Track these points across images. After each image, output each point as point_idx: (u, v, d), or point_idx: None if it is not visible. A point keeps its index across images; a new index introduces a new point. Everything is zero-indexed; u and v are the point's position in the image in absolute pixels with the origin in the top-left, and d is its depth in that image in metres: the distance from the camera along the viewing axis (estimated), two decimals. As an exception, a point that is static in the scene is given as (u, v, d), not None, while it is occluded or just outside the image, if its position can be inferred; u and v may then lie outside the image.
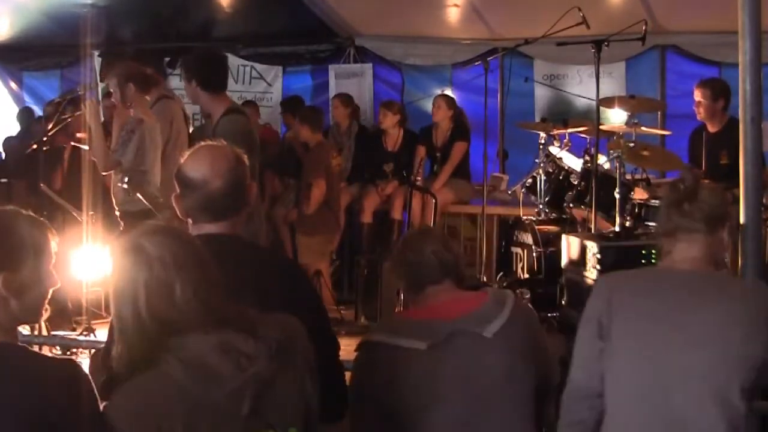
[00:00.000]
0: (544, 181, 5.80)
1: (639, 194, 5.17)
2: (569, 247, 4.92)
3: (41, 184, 5.84)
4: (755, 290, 2.53)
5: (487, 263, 6.40)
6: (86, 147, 5.48)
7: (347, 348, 2.70)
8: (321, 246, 6.78)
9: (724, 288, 2.52)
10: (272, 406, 1.97)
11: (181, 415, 1.89)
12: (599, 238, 4.75)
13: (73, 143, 6.38)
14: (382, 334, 2.67)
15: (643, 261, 4.57)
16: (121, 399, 1.93)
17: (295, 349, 2.03)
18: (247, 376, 1.91)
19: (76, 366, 1.99)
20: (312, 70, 8.85)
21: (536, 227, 5.63)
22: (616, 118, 6.50)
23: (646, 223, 4.97)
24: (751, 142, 3.33)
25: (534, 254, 5.54)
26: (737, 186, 3.38)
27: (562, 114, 7.00)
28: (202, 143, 2.57)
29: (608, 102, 5.78)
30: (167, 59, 8.55)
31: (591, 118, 5.87)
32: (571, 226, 5.62)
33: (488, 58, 6.49)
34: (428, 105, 7.66)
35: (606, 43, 5.15)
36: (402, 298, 4.69)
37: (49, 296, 2.10)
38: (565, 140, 5.93)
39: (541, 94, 7.94)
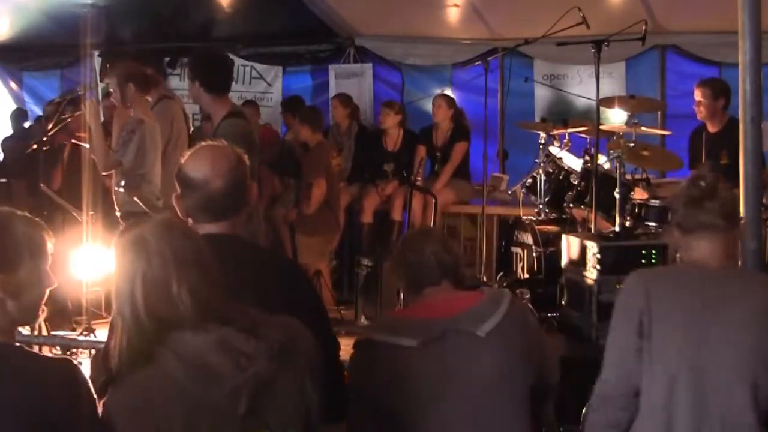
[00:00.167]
0: (544, 181, 5.80)
1: (639, 194, 5.17)
2: (569, 247, 4.92)
3: (41, 184, 5.83)
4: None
5: (487, 263, 6.40)
6: (86, 145, 5.48)
7: (347, 348, 2.70)
8: (321, 246, 6.78)
9: (750, 282, 2.59)
10: (271, 406, 1.96)
11: (181, 413, 1.89)
12: (599, 238, 4.75)
13: (73, 141, 6.37)
14: (375, 332, 2.69)
15: (643, 261, 4.57)
16: (120, 394, 1.94)
17: (297, 350, 2.02)
18: (246, 376, 1.91)
19: (75, 366, 1.99)
20: (312, 70, 8.85)
21: (536, 227, 5.63)
22: (616, 118, 6.50)
23: (646, 223, 4.97)
24: (751, 142, 3.34)
25: (534, 254, 5.54)
26: (737, 186, 3.38)
27: (562, 114, 7.01)
28: (203, 143, 2.57)
29: (608, 102, 5.78)
30: (167, 59, 8.55)
31: (591, 118, 5.87)
32: (571, 226, 5.62)
33: (488, 58, 6.49)
34: (428, 105, 7.66)
35: (606, 43, 5.14)
36: (402, 298, 4.69)
37: (46, 296, 2.10)
38: (565, 140, 5.93)
39: (541, 94, 7.93)
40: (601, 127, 5.38)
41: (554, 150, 5.88)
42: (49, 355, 3.14)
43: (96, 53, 8.74)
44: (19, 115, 8.94)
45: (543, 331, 2.89)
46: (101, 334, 5.24)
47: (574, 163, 5.75)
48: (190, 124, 7.65)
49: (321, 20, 8.08)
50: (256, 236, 4.26)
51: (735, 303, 2.46)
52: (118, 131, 5.29)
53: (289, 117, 7.96)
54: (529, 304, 5.15)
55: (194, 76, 4.42)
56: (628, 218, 4.99)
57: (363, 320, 6.09)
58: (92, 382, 2.01)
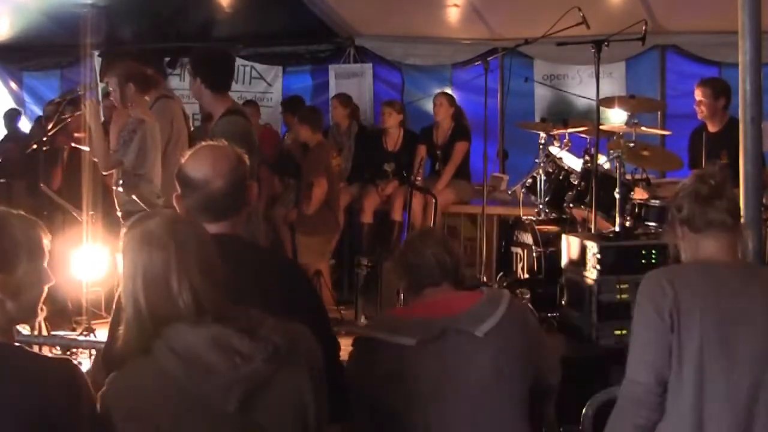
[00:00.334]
0: (544, 181, 5.80)
1: (639, 194, 5.17)
2: (569, 247, 4.92)
3: (41, 184, 5.83)
4: None
5: (487, 263, 6.40)
6: (86, 148, 5.48)
7: (347, 348, 2.70)
8: (321, 246, 6.78)
9: (764, 276, 2.65)
10: (265, 407, 1.96)
11: (170, 406, 1.91)
12: (599, 238, 4.75)
13: (73, 144, 6.37)
14: (374, 331, 2.69)
15: (643, 261, 4.57)
16: (115, 383, 1.97)
17: (297, 355, 2.02)
18: (239, 375, 1.91)
19: (74, 366, 1.99)
20: (312, 70, 8.85)
21: (536, 227, 5.62)
22: (616, 118, 6.50)
23: (646, 223, 4.97)
24: (751, 142, 3.34)
25: (534, 254, 5.54)
26: (737, 186, 3.38)
27: (562, 114, 7.00)
28: (203, 143, 2.58)
29: (608, 102, 5.77)
30: (167, 59, 8.55)
31: (591, 118, 5.87)
32: (571, 226, 5.62)
33: (488, 58, 6.48)
34: (428, 105, 7.66)
35: (606, 43, 5.14)
36: (402, 298, 4.69)
37: (44, 294, 2.10)
38: (565, 140, 5.93)
39: (541, 94, 7.93)
40: (601, 127, 5.38)
41: (554, 150, 5.88)
42: (49, 355, 3.13)
43: (96, 53, 8.75)
44: (12, 116, 8.93)
45: (543, 331, 2.89)
46: (101, 334, 5.23)
47: (574, 163, 5.75)
48: (190, 124, 7.66)
49: (321, 20, 8.08)
50: (256, 236, 4.26)
51: (755, 299, 2.51)
52: (116, 131, 5.28)
53: (289, 117, 7.96)
54: (529, 304, 5.14)
55: (196, 73, 4.42)
56: (628, 218, 4.99)
57: (363, 320, 6.09)
58: (92, 381, 2.01)
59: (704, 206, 2.59)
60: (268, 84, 8.90)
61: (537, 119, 7.25)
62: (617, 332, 4.50)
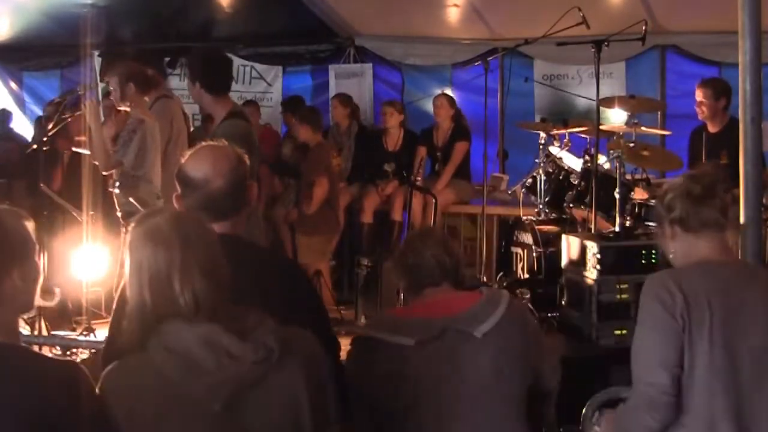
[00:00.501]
0: (544, 181, 5.80)
1: (639, 194, 5.17)
2: (569, 247, 4.92)
3: (41, 184, 5.83)
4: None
5: (487, 263, 6.40)
6: (85, 151, 5.48)
7: (347, 348, 2.70)
8: (321, 246, 6.78)
9: (758, 273, 2.71)
10: (254, 409, 1.96)
11: (158, 402, 1.92)
12: (599, 238, 4.75)
13: (73, 149, 6.37)
14: (373, 330, 2.68)
15: (643, 261, 4.57)
16: (110, 374, 2.00)
17: (294, 359, 2.01)
18: (226, 374, 1.92)
19: (77, 366, 1.99)
20: (312, 70, 8.85)
21: (536, 227, 5.63)
22: (616, 118, 6.50)
23: (646, 223, 4.97)
24: (751, 142, 3.33)
25: (534, 254, 5.54)
26: (737, 186, 3.38)
27: (562, 114, 7.00)
28: (203, 143, 2.58)
29: (608, 102, 5.78)
30: (167, 59, 8.55)
31: (591, 118, 5.87)
32: (571, 226, 5.62)
33: (488, 58, 6.48)
34: (428, 105, 7.66)
35: (606, 43, 5.14)
36: (402, 297, 4.69)
37: (38, 288, 2.11)
38: (565, 140, 5.93)
39: (541, 94, 7.93)
40: (601, 127, 5.38)
41: (554, 150, 5.88)
42: (52, 355, 3.14)
43: (96, 53, 8.74)
44: (3, 117, 8.92)
45: (542, 332, 2.89)
46: (101, 334, 5.23)
47: (574, 163, 5.75)
48: (190, 124, 7.66)
49: (321, 20, 8.08)
50: (256, 236, 4.26)
51: (756, 298, 2.56)
52: (114, 130, 5.27)
53: (289, 117, 7.96)
54: (529, 304, 5.14)
55: (194, 77, 4.41)
56: (628, 218, 4.99)
57: (363, 320, 6.09)
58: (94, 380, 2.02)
59: (698, 206, 2.60)
60: (268, 84, 8.90)
61: (537, 119, 7.25)
62: (617, 332, 4.51)
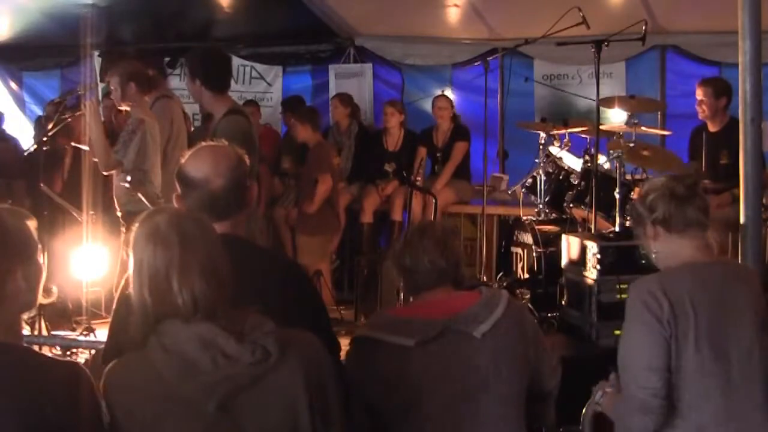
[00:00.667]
0: (544, 181, 5.80)
1: (639, 194, 5.16)
2: (569, 247, 4.92)
3: (41, 184, 5.83)
4: (753, 270, 2.90)
5: (487, 263, 6.41)
6: (86, 147, 5.48)
7: (347, 348, 2.70)
8: (322, 246, 6.79)
9: (742, 271, 2.78)
10: (248, 410, 1.96)
11: (153, 401, 1.93)
12: (599, 238, 4.75)
13: (73, 144, 6.37)
14: (372, 330, 2.67)
15: (643, 261, 4.56)
16: (110, 371, 2.01)
17: (293, 361, 2.00)
18: (220, 375, 1.92)
19: (78, 367, 1.99)
20: (312, 70, 8.85)
21: (536, 227, 5.62)
22: (616, 118, 6.50)
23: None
24: (751, 142, 3.33)
25: (534, 254, 5.53)
26: (737, 186, 3.38)
27: (562, 114, 7.00)
28: (203, 143, 2.58)
29: (608, 102, 5.77)
30: (167, 59, 8.55)
31: (591, 118, 5.87)
32: (571, 226, 5.62)
33: (488, 58, 6.49)
34: (428, 105, 7.65)
35: (606, 43, 5.14)
36: (402, 297, 4.69)
37: (42, 286, 2.12)
38: (565, 140, 5.93)
39: (541, 94, 7.93)
40: (601, 127, 5.38)
41: (554, 150, 5.88)
42: (55, 357, 3.13)
43: (96, 53, 8.74)
44: None
45: (541, 332, 2.88)
46: (101, 334, 5.23)
47: (574, 163, 5.75)
48: (191, 124, 7.66)
49: (321, 20, 8.08)
50: (257, 237, 4.26)
51: (739, 296, 2.62)
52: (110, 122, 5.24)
53: (289, 117, 7.96)
54: (529, 304, 5.14)
55: (195, 74, 4.42)
56: (628, 218, 4.99)
57: (363, 320, 6.09)
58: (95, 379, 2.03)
59: (682, 206, 2.62)
60: (268, 84, 8.89)
61: (537, 119, 7.25)
62: (617, 332, 4.45)
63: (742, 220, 3.32)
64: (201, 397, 1.92)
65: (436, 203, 6.10)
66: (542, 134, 5.98)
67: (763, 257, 3.56)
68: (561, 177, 5.74)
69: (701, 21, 7.02)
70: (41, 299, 2.09)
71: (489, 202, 6.37)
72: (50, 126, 5.81)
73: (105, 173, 5.28)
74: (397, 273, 2.83)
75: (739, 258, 3.39)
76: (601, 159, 5.33)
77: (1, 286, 1.96)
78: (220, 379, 1.92)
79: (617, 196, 4.94)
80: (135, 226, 2.05)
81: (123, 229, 5.09)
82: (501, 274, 6.03)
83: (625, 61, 7.55)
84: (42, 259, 2.09)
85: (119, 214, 5.17)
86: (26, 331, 5.00)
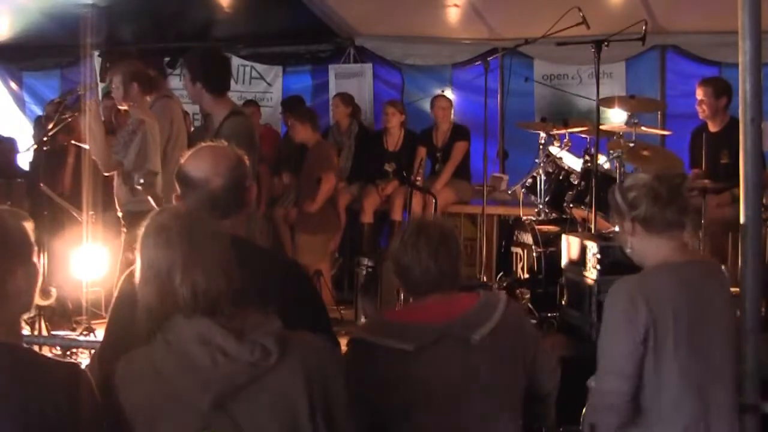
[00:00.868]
0: (544, 181, 5.80)
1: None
2: (569, 247, 4.92)
3: (41, 184, 5.83)
4: (720, 266, 2.95)
5: (487, 263, 6.41)
6: (86, 146, 5.48)
7: (344, 350, 2.69)
8: (322, 245, 6.79)
9: (714, 270, 2.84)
10: (245, 409, 1.95)
11: (152, 395, 1.94)
12: (599, 238, 4.75)
13: (74, 142, 6.36)
14: (370, 333, 2.65)
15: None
16: (119, 366, 2.02)
17: (294, 362, 2.00)
18: (218, 373, 1.92)
19: (78, 367, 2.00)
20: (312, 70, 8.85)
21: (536, 227, 5.63)
22: (616, 118, 6.51)
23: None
24: (751, 143, 3.32)
25: (534, 254, 5.54)
26: (737, 186, 3.38)
27: (562, 114, 7.00)
28: (203, 144, 2.58)
29: (608, 102, 5.78)
30: (167, 59, 8.55)
31: (591, 118, 5.87)
32: (571, 226, 5.62)
33: (488, 58, 6.50)
34: (428, 105, 7.65)
35: (606, 43, 5.15)
36: (402, 297, 4.69)
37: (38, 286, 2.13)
38: (565, 140, 5.93)
39: (541, 94, 7.93)
40: (601, 127, 5.38)
41: (554, 150, 5.88)
42: (55, 358, 3.14)
43: (96, 53, 8.75)
44: None
45: (540, 335, 2.87)
46: (101, 334, 5.23)
47: (574, 163, 5.75)
48: (190, 124, 7.66)
49: (321, 20, 8.08)
50: (256, 236, 4.27)
51: (715, 294, 2.71)
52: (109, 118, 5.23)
53: (289, 117, 7.96)
54: (529, 304, 5.15)
55: (195, 76, 4.42)
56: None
57: (363, 320, 6.09)
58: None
59: (663, 208, 2.66)
60: (268, 84, 8.89)
61: (537, 119, 7.25)
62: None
63: (742, 220, 3.31)
64: (196, 395, 1.91)
65: (436, 203, 6.11)
66: (542, 134, 5.98)
67: (763, 257, 3.55)
68: (561, 177, 5.74)
69: (701, 21, 7.02)
70: (39, 300, 2.09)
71: (489, 202, 6.37)
72: (50, 126, 5.81)
73: (106, 174, 5.28)
74: (394, 273, 2.81)
75: (739, 258, 3.38)
76: (601, 159, 5.33)
77: (2, 285, 1.96)
78: (217, 377, 1.92)
79: (617, 196, 4.93)
80: (143, 224, 2.06)
81: (123, 229, 5.09)
82: (501, 274, 6.03)
83: (625, 61, 7.55)
84: (37, 260, 2.09)
85: (120, 214, 5.17)
86: (26, 331, 5.00)
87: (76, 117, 5.64)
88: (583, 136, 5.89)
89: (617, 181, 4.96)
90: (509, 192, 6.65)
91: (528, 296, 5.21)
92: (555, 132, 5.95)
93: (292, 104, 7.98)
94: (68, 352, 4.83)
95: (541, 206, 5.85)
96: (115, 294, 2.51)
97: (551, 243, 5.47)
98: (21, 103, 9.66)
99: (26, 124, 9.36)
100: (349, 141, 7.70)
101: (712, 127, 5.87)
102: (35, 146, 6.03)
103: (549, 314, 5.04)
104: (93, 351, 4.64)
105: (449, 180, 7.18)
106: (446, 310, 2.63)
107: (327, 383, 2.05)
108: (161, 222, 2.03)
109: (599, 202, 5.06)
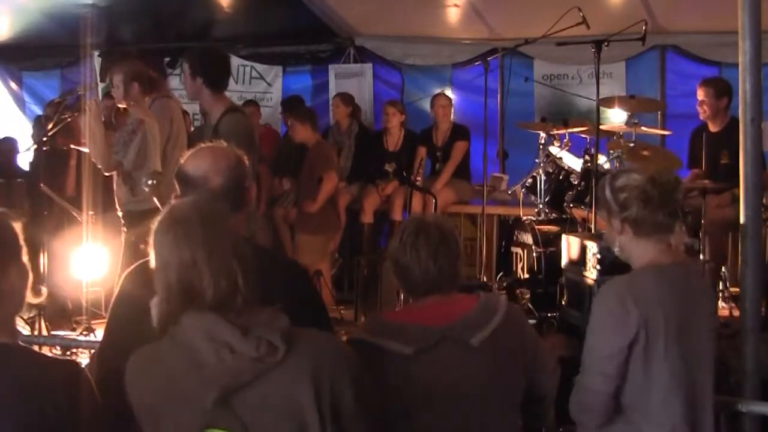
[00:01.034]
0: (544, 181, 5.80)
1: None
2: (569, 247, 4.92)
3: (41, 184, 5.83)
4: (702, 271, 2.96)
5: (487, 263, 6.41)
6: (85, 149, 5.48)
7: (347, 348, 2.69)
8: (322, 245, 6.79)
9: (697, 272, 2.95)
10: (250, 406, 1.94)
11: (159, 389, 1.95)
12: (599, 238, 4.74)
13: (73, 146, 6.36)
14: (370, 335, 2.62)
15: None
16: (130, 361, 2.03)
17: (301, 360, 1.99)
18: (223, 368, 1.91)
19: (77, 366, 2.00)
20: (312, 70, 8.85)
21: (536, 227, 5.62)
22: (616, 118, 6.51)
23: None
24: (751, 143, 3.33)
25: (534, 254, 5.53)
26: (738, 186, 3.38)
27: (562, 114, 7.01)
28: (203, 144, 2.58)
29: (608, 102, 5.78)
30: (167, 59, 8.55)
31: (591, 118, 5.87)
32: (571, 226, 5.62)
33: (488, 58, 6.50)
34: (428, 105, 7.66)
35: (606, 43, 5.15)
36: (402, 298, 4.68)
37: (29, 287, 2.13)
38: (565, 140, 5.93)
39: (541, 94, 7.93)
40: (601, 127, 5.38)
41: (554, 150, 5.88)
42: (54, 356, 3.14)
43: (96, 53, 8.75)
44: None
45: (539, 337, 2.86)
46: (101, 334, 5.23)
47: (574, 163, 5.75)
48: (190, 124, 7.66)
49: (321, 20, 8.08)
50: (256, 236, 4.27)
51: (697, 294, 2.74)
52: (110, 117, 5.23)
53: (289, 117, 7.96)
54: (529, 304, 5.14)
55: (195, 72, 4.44)
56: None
57: (363, 320, 6.09)
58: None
59: (654, 212, 2.68)
60: (268, 84, 8.90)
61: (537, 119, 7.25)
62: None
63: (742, 220, 3.31)
64: (200, 390, 1.91)
65: (436, 203, 6.11)
66: (542, 134, 5.98)
67: (763, 257, 3.55)
68: (561, 177, 5.74)
69: (701, 21, 7.03)
70: (30, 299, 2.09)
71: (489, 202, 6.37)
72: (50, 126, 5.81)
73: (106, 174, 5.28)
74: (393, 273, 2.80)
75: (739, 258, 3.38)
76: (601, 159, 5.33)
77: None
78: (221, 372, 1.91)
79: (617, 196, 4.93)
80: (156, 219, 2.06)
81: (123, 228, 5.08)
82: (501, 274, 6.03)
83: (625, 61, 7.56)
84: (27, 259, 2.09)
85: (120, 214, 5.17)
86: (26, 331, 5.00)
87: (76, 117, 5.64)
88: (583, 136, 5.89)
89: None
90: (509, 192, 6.65)
91: (528, 296, 5.21)
92: (555, 132, 5.95)
93: (292, 104, 7.98)
94: (68, 352, 4.83)
95: (541, 206, 5.84)
96: (116, 293, 2.51)
97: (551, 243, 5.47)
98: (21, 103, 9.66)
99: (26, 124, 9.36)
100: (349, 141, 7.70)
101: (713, 127, 5.87)
102: (35, 146, 6.02)
103: (549, 314, 5.03)
104: (93, 351, 4.65)
105: (449, 180, 7.18)
106: (446, 311, 2.62)
107: (335, 380, 2.03)
108: (176, 216, 2.03)
109: (599, 203, 5.05)
